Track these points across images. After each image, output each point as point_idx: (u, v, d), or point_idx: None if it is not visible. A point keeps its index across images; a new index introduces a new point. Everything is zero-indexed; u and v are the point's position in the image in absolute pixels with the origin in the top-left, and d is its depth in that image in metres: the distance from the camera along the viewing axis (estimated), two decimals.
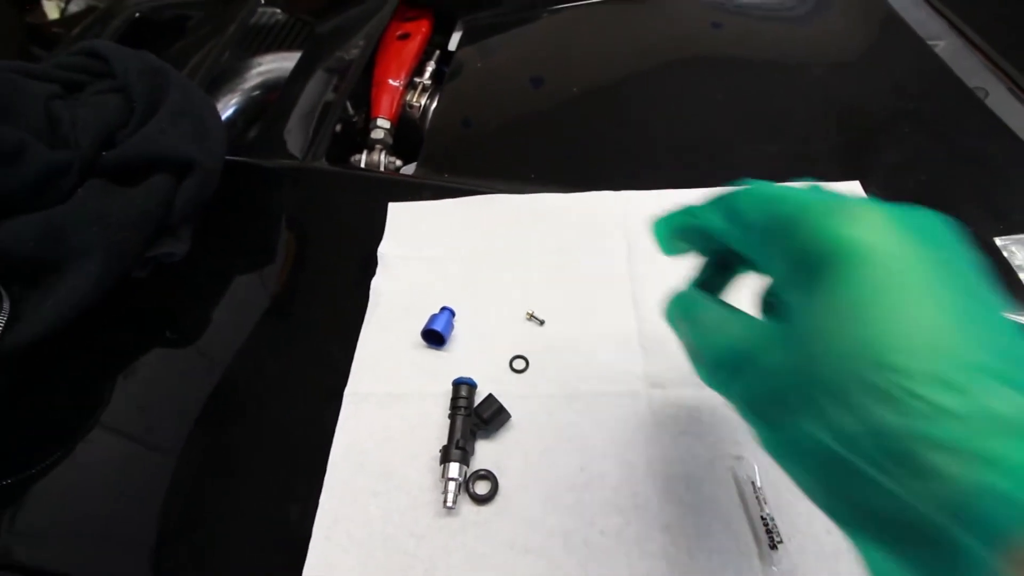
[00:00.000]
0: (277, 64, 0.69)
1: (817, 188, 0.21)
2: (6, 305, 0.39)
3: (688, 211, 0.24)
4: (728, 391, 0.21)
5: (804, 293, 0.18)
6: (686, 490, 0.31)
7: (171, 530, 0.33)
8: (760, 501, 0.30)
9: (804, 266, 0.18)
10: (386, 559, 0.30)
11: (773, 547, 0.29)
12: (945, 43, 0.56)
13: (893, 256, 0.17)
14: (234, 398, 0.38)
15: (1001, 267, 0.39)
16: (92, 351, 0.41)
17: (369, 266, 0.43)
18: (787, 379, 0.18)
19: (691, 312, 0.24)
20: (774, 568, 0.29)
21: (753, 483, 0.31)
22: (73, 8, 2.23)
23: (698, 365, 0.23)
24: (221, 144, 0.48)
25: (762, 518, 0.30)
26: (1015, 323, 0.16)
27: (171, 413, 0.38)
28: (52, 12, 2.27)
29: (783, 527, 0.30)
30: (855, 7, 0.61)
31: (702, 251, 0.27)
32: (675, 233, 0.26)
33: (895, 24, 0.58)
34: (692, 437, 0.33)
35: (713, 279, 0.27)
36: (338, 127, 0.57)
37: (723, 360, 0.21)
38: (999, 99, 0.51)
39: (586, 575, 0.29)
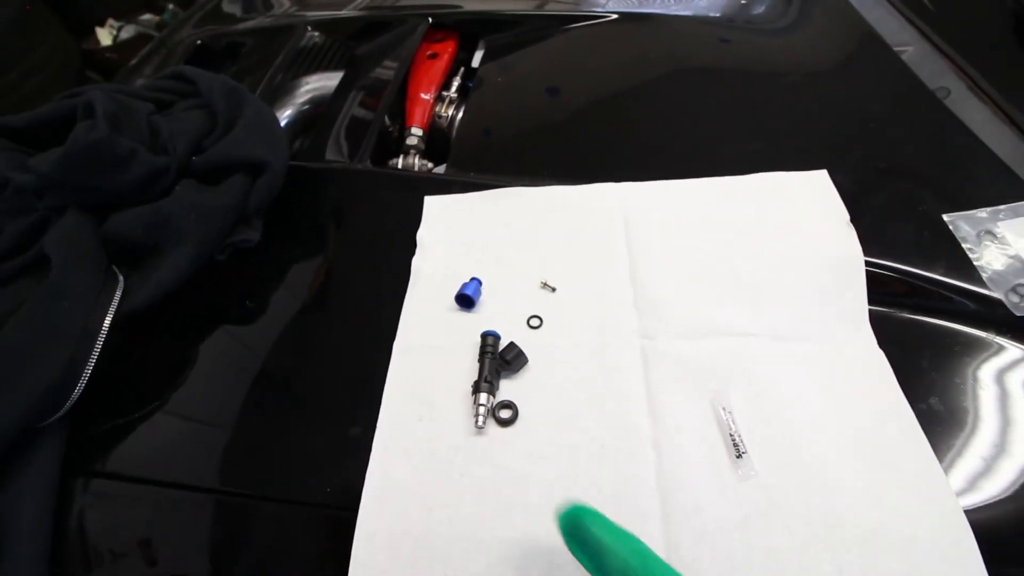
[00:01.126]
0: (322, 82, 0.79)
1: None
2: (121, 281, 0.49)
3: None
4: None
5: None
6: (671, 415, 0.39)
7: (257, 448, 0.41)
8: (729, 422, 0.37)
9: None
10: (430, 466, 0.38)
11: (739, 456, 0.36)
12: (914, 48, 0.63)
13: None
14: (302, 352, 0.47)
15: (946, 239, 0.46)
16: (185, 317, 0.50)
17: (409, 248, 0.52)
18: None
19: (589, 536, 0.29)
20: (739, 472, 0.36)
21: (724, 408, 0.38)
22: (124, 35, 2.40)
23: None
24: (286, 150, 0.58)
25: (730, 435, 0.37)
26: None
27: (250, 366, 0.47)
28: (105, 39, 2.45)
29: (749, 445, 0.37)
30: (832, 21, 0.69)
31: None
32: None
33: (866, 34, 0.65)
34: (677, 377, 0.41)
35: None
36: (396, 142, 0.67)
37: None
38: (960, 97, 0.57)
39: (587, 477, 0.37)
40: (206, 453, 0.42)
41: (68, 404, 0.43)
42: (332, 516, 0.37)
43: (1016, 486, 0.36)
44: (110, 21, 2.25)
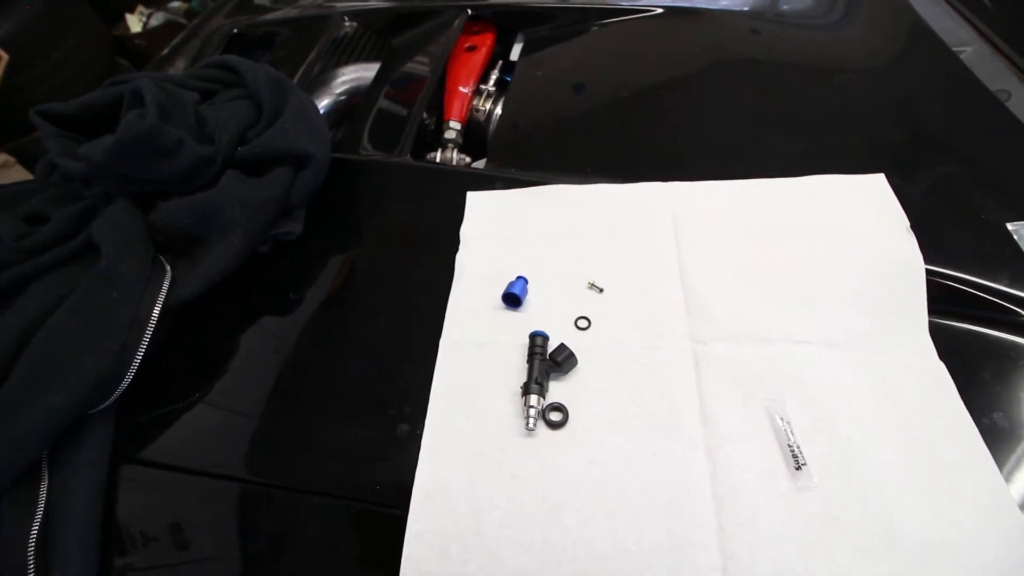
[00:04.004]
0: (359, 73, 0.78)
1: None
2: (168, 270, 0.49)
3: None
4: None
5: None
6: (724, 422, 0.38)
7: (303, 442, 0.41)
8: (787, 432, 0.37)
9: None
10: (479, 466, 0.38)
11: (798, 468, 0.35)
12: (972, 49, 0.61)
13: None
14: (345, 345, 0.47)
15: (1010, 248, 0.44)
16: (228, 308, 0.51)
17: (450, 243, 0.51)
18: None
19: None
20: (798, 483, 0.35)
21: (782, 417, 0.37)
22: (153, 22, 2.42)
23: None
24: (329, 142, 0.57)
25: (789, 446, 0.36)
26: None
27: (293, 359, 0.47)
28: (135, 26, 2.46)
29: (807, 455, 0.36)
30: (885, 16, 0.67)
31: None
32: None
33: (922, 31, 0.63)
34: (730, 382, 0.40)
35: None
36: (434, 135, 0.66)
37: None
38: (1021, 100, 0.55)
39: (639, 482, 0.36)
40: (250, 445, 0.43)
41: (117, 392, 0.44)
42: (381, 513, 0.37)
43: None
44: (140, 8, 2.27)
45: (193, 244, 0.51)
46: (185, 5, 2.27)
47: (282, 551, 0.38)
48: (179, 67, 0.90)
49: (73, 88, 1.90)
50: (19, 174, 2.02)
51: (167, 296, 0.47)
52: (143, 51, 2.15)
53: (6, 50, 1.59)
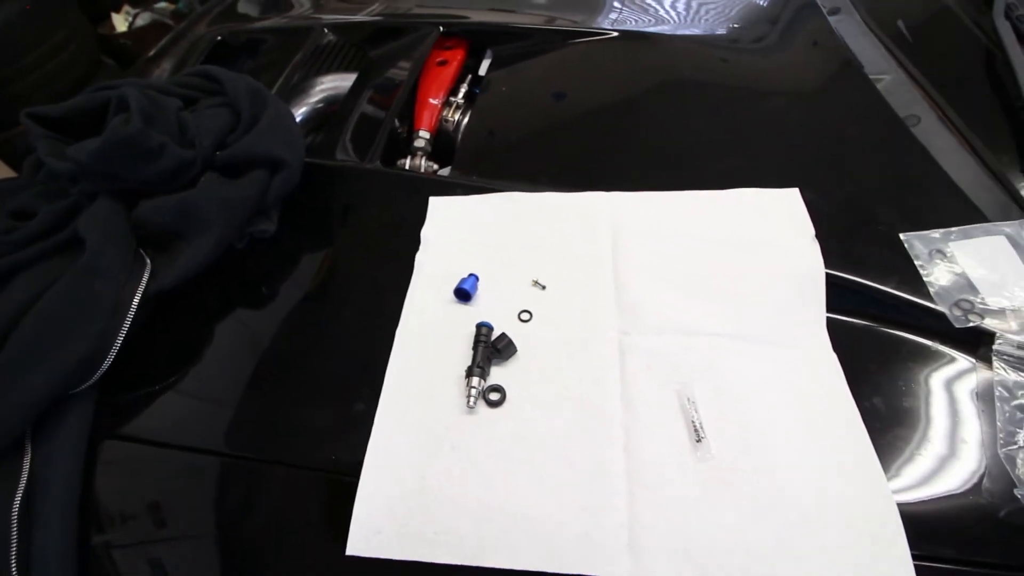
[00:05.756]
0: (337, 83, 0.83)
1: None
2: (148, 262, 0.53)
3: None
4: None
5: None
6: (641, 404, 0.43)
7: (269, 420, 0.46)
8: (692, 411, 0.42)
9: None
10: (425, 439, 0.43)
11: (698, 440, 0.41)
12: (891, 77, 0.67)
13: None
14: (312, 335, 0.51)
15: (901, 256, 0.50)
16: (206, 299, 0.55)
17: (412, 244, 0.56)
18: None
19: None
20: (697, 454, 0.40)
21: (688, 398, 0.43)
22: (140, 22, 2.43)
23: None
24: (302, 148, 0.62)
25: (692, 422, 0.42)
26: None
27: (263, 346, 0.52)
28: (120, 25, 2.48)
29: (709, 431, 0.41)
30: (815, 46, 0.73)
31: None
32: None
33: (845, 61, 0.69)
34: (649, 369, 0.45)
35: None
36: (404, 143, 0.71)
37: None
38: (929, 125, 0.62)
39: (564, 454, 0.41)
40: (222, 422, 0.47)
41: (98, 374, 0.48)
42: (336, 480, 0.42)
43: (942, 477, 0.41)
44: (126, 7, 2.29)
45: (173, 239, 0.55)
46: (171, 6, 2.29)
47: (248, 514, 0.43)
48: (164, 69, 0.94)
49: (56, 85, 1.91)
50: (0, 169, 2.02)
51: (147, 286, 0.51)
52: (128, 50, 2.17)
53: None
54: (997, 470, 0.41)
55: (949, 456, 0.42)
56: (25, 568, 0.43)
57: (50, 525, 0.43)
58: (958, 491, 0.40)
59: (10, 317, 0.48)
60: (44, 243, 0.54)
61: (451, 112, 0.77)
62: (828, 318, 0.48)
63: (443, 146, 0.76)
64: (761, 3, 0.82)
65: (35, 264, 0.53)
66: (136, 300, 0.50)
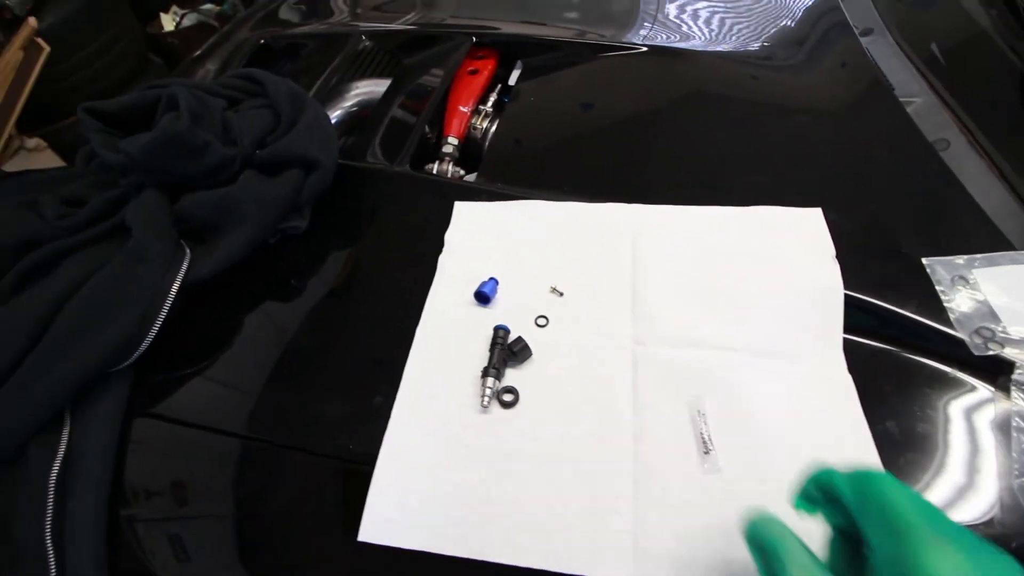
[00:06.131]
0: (371, 88, 0.86)
1: (918, 499, 0.26)
2: (188, 252, 0.56)
3: (828, 481, 0.30)
4: None
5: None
6: (652, 413, 0.44)
7: (291, 408, 0.48)
8: (701, 423, 0.43)
9: (896, 566, 0.24)
10: (439, 436, 0.44)
11: (706, 452, 0.41)
12: (921, 100, 0.67)
13: None
14: (336, 328, 0.53)
15: (923, 280, 0.50)
16: (239, 290, 0.57)
17: (436, 247, 0.58)
18: None
19: (772, 546, 0.28)
20: (705, 465, 0.41)
21: (699, 410, 0.43)
22: (186, 23, 2.54)
23: None
24: (336, 150, 0.65)
25: (700, 434, 0.42)
26: None
27: (290, 337, 0.54)
28: (168, 24, 2.59)
29: (717, 443, 0.42)
30: (845, 66, 0.73)
31: (826, 517, 0.31)
32: (811, 494, 0.31)
33: (875, 82, 0.69)
34: (661, 379, 0.46)
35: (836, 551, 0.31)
36: (435, 148, 0.74)
37: None
38: (959, 149, 0.62)
39: (572, 456, 0.42)
40: (246, 407, 0.49)
41: (137, 354, 0.51)
42: (352, 469, 0.44)
43: (953, 506, 0.41)
44: (174, 8, 2.39)
45: (211, 232, 0.58)
46: (217, 8, 2.39)
47: (265, 496, 0.45)
48: (209, 69, 0.98)
49: (106, 81, 2.00)
50: (49, 157, 2.13)
51: (186, 274, 0.54)
52: (175, 49, 2.26)
53: (47, 42, 1.69)
54: (1010, 501, 0.40)
55: (962, 485, 0.41)
56: (59, 535, 0.45)
57: (83, 496, 0.46)
58: (969, 520, 0.40)
59: (59, 297, 0.51)
60: (93, 229, 0.57)
61: (480, 120, 0.79)
62: (845, 339, 0.48)
63: (471, 153, 0.78)
64: (791, 24, 0.82)
65: (84, 248, 0.56)
66: (175, 287, 0.53)
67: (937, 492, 0.41)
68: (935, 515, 0.26)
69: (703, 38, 0.82)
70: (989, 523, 0.40)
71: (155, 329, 0.51)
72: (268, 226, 0.58)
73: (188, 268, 0.55)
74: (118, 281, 0.51)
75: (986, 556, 0.24)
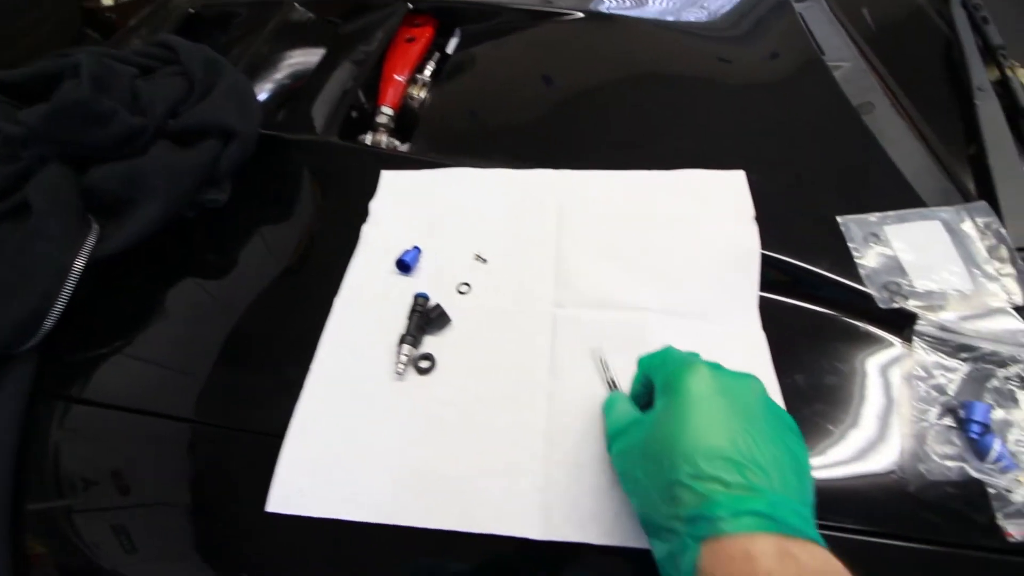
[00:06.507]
0: (305, 58, 0.83)
1: (694, 355, 0.36)
2: (95, 227, 0.54)
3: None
4: (611, 447, 0.37)
5: (661, 403, 0.34)
6: (567, 372, 0.44)
7: (211, 382, 0.47)
8: (605, 370, 0.43)
9: (666, 389, 0.34)
10: (353, 404, 0.43)
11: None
12: (851, 65, 0.68)
13: (705, 400, 0.32)
14: (255, 303, 0.52)
15: (837, 238, 0.51)
16: (156, 265, 0.55)
17: (363, 218, 0.57)
18: (639, 447, 0.33)
19: (608, 404, 0.40)
20: None
21: (603, 360, 0.44)
22: None
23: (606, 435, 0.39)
24: (257, 119, 0.62)
25: (607, 382, 0.43)
26: (759, 435, 0.30)
27: (209, 312, 0.53)
28: None
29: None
30: (779, 33, 0.74)
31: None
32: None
33: (806, 47, 0.69)
34: (579, 341, 0.46)
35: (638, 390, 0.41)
36: (354, 113, 0.71)
37: (613, 430, 0.37)
38: (882, 112, 0.63)
39: (488, 419, 0.42)
40: (162, 384, 0.48)
41: (40, 334, 0.49)
42: (269, 442, 0.43)
43: (855, 453, 0.42)
44: None
45: (121, 206, 0.55)
46: None
47: (179, 473, 0.44)
48: (140, 41, 0.93)
49: (36, 57, 1.89)
50: None
51: (93, 250, 0.52)
52: (113, 23, 2.14)
53: None
54: (909, 446, 0.42)
55: (866, 433, 0.43)
56: None
57: None
58: (870, 465, 0.42)
59: None
60: None
61: (417, 89, 0.77)
62: (761, 297, 0.49)
63: (407, 123, 0.76)
64: None
65: None
66: (80, 263, 0.50)
67: (840, 439, 0.42)
68: (699, 359, 0.35)
69: (639, 4, 0.81)
70: (888, 466, 0.41)
71: (58, 308, 0.49)
72: (182, 199, 0.56)
73: (95, 244, 0.52)
74: (16, 259, 0.49)
75: (728, 373, 0.34)
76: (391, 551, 0.39)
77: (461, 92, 0.74)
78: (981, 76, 0.58)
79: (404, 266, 0.51)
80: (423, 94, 0.77)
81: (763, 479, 0.29)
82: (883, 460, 0.42)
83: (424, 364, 0.45)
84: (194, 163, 0.56)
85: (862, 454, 0.42)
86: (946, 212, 0.52)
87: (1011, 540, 0.38)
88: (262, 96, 0.80)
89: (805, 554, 0.27)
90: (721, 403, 0.31)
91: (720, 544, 0.27)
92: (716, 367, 0.34)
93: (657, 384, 0.35)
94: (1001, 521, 0.39)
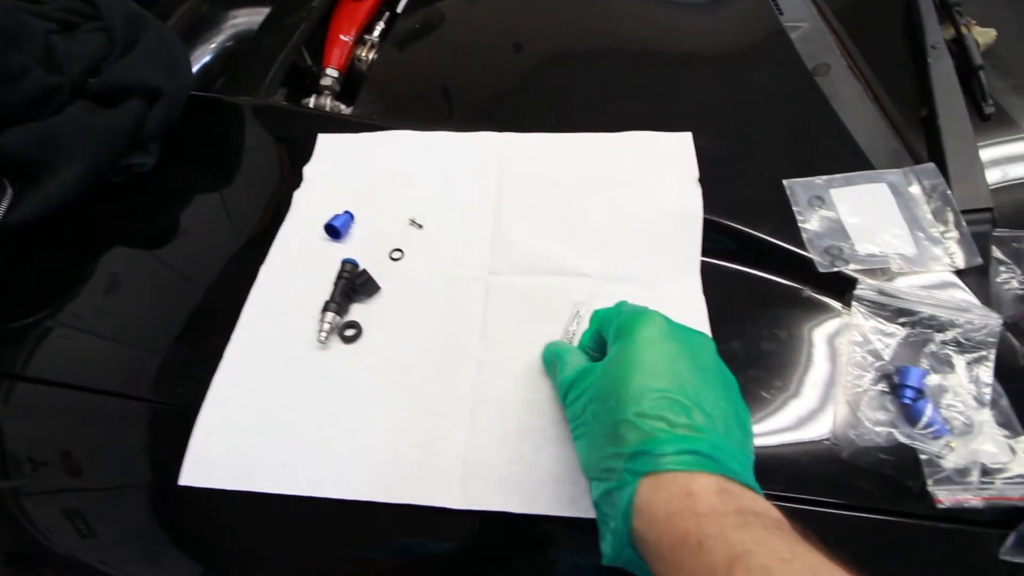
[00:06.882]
0: (249, 17, 0.79)
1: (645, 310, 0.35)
2: (9, 192, 0.51)
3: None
4: (564, 395, 0.36)
5: (614, 348, 0.33)
6: (497, 340, 0.43)
7: (131, 352, 0.45)
8: (575, 324, 0.43)
9: (618, 336, 0.33)
10: (273, 374, 0.42)
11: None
12: (808, 25, 0.65)
13: (656, 344, 0.31)
14: (182, 271, 0.50)
15: (782, 201, 0.50)
16: (80, 232, 0.53)
17: (299, 183, 0.54)
18: (590, 390, 0.33)
19: (559, 355, 0.38)
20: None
21: (580, 313, 0.43)
22: None
23: (556, 387, 0.38)
24: (188, 78, 0.59)
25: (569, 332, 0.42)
26: (706, 383, 0.30)
27: (134, 279, 0.50)
28: None
29: None
30: None
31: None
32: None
33: (763, 7, 0.67)
34: (513, 308, 0.45)
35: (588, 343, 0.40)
36: (307, 80, 0.68)
37: (566, 380, 0.36)
38: (838, 73, 0.61)
39: (414, 388, 0.41)
40: (81, 356, 0.46)
41: None
42: (181, 414, 0.41)
43: (790, 419, 0.41)
44: None
45: (36, 170, 0.52)
46: None
47: (94, 447, 0.42)
48: None
49: None
50: None
51: (6, 215, 0.49)
52: None
53: None
54: (843, 412, 0.41)
55: (799, 399, 0.42)
56: None
57: None
58: (804, 432, 0.41)
59: None
60: None
61: (365, 51, 0.74)
62: (703, 262, 0.47)
63: (355, 86, 0.73)
64: None
65: None
66: None
67: (777, 407, 0.42)
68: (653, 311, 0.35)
69: None
70: (825, 436, 0.40)
71: None
72: (103, 161, 0.53)
73: (9, 208, 0.50)
74: None
75: (682, 326, 0.34)
76: (324, 525, 0.38)
77: (409, 54, 0.70)
78: (936, 34, 0.57)
79: (334, 232, 0.49)
80: (372, 55, 0.74)
81: (707, 422, 0.28)
82: (817, 426, 0.41)
83: (349, 332, 0.43)
84: (116, 124, 0.53)
85: (796, 420, 0.42)
86: (893, 175, 0.50)
87: (940, 507, 0.38)
88: (204, 58, 0.76)
89: (746, 495, 0.27)
90: (672, 347, 0.31)
91: (660, 479, 0.27)
92: (669, 320, 0.34)
93: (609, 335, 0.35)
94: (931, 487, 0.39)
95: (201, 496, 0.38)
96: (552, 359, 0.39)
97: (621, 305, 0.37)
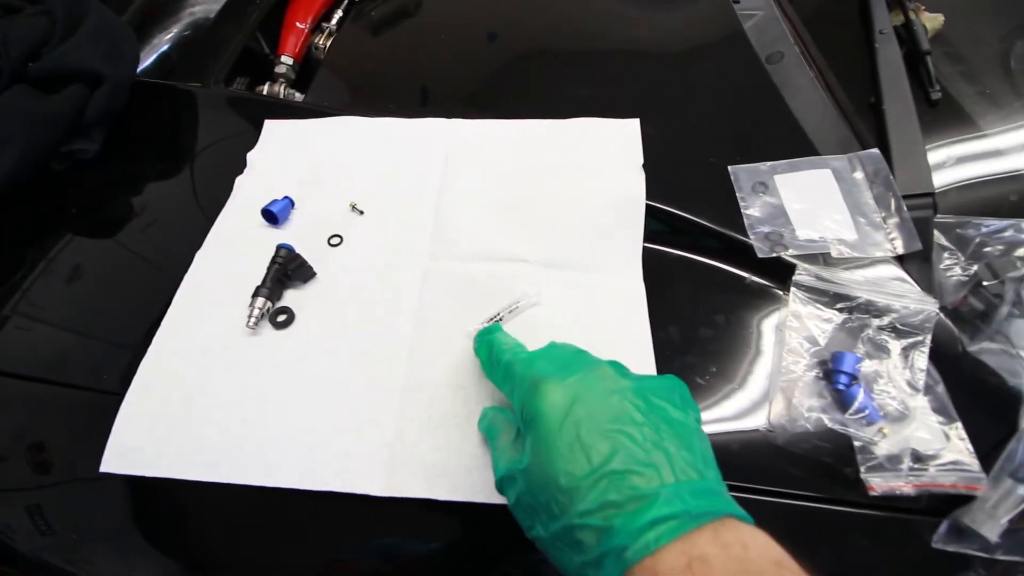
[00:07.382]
0: (207, 6, 0.78)
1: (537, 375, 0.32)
2: None
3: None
4: (504, 493, 0.32)
5: (528, 440, 0.30)
6: (432, 327, 0.43)
7: (66, 341, 0.44)
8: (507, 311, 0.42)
9: (525, 423, 0.31)
10: (200, 359, 0.41)
11: None
12: (763, 13, 0.65)
13: (564, 419, 0.29)
14: (128, 254, 0.49)
15: (726, 188, 0.49)
16: (20, 221, 0.52)
17: (243, 168, 0.53)
18: (527, 498, 0.30)
19: (491, 434, 0.36)
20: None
21: (519, 305, 0.42)
22: None
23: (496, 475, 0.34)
24: (132, 64, 0.58)
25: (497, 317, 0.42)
26: (631, 425, 0.28)
27: (72, 267, 0.49)
28: None
29: None
30: None
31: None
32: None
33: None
34: (448, 294, 0.44)
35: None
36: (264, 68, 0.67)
37: (499, 479, 0.32)
38: (791, 61, 0.60)
39: (345, 376, 0.40)
40: (18, 344, 0.45)
41: None
42: (107, 400, 0.40)
43: (725, 409, 0.41)
44: None
45: None
46: None
47: (10, 431, 0.41)
48: None
49: None
50: None
51: None
52: None
53: None
54: (778, 399, 0.41)
55: (735, 385, 0.42)
56: None
57: None
58: (740, 419, 0.41)
59: None
60: None
61: (322, 39, 0.73)
62: (645, 248, 0.47)
63: (311, 74, 0.72)
64: None
65: None
66: None
67: (712, 394, 0.41)
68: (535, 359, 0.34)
69: None
70: (760, 423, 0.40)
71: None
72: (41, 148, 0.52)
73: None
74: None
75: (577, 365, 0.32)
76: (255, 513, 0.37)
77: (363, 42, 0.70)
78: (884, 20, 0.56)
79: (271, 217, 0.48)
80: (329, 44, 0.73)
81: (652, 476, 0.26)
82: (753, 413, 0.41)
83: (281, 318, 0.43)
84: (56, 110, 0.52)
85: (732, 407, 0.41)
86: (838, 160, 0.50)
87: (873, 494, 0.38)
88: (163, 47, 0.75)
89: (715, 545, 0.25)
90: (581, 411, 0.29)
91: (634, 573, 0.25)
92: (564, 367, 0.32)
93: (516, 407, 0.33)
94: (864, 474, 0.39)
95: (123, 483, 0.37)
96: (484, 342, 0.38)
97: (514, 356, 0.35)
